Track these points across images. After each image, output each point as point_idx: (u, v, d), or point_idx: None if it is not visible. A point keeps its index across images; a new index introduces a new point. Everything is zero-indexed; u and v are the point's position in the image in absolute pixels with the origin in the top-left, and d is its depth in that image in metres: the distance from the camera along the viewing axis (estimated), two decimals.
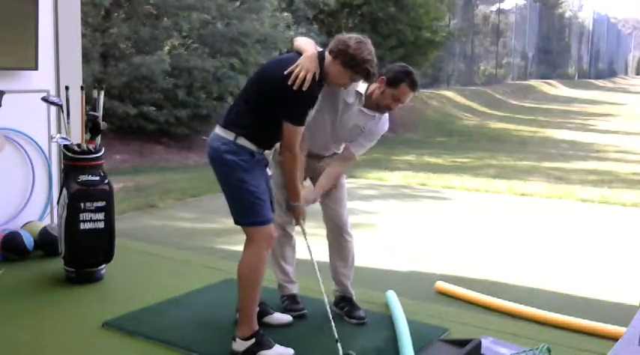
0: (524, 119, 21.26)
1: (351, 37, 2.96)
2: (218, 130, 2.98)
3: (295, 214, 3.24)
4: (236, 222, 2.98)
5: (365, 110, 3.31)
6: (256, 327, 3.01)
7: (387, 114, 3.40)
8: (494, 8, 35.06)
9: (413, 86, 3.23)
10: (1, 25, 4.29)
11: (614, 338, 2.81)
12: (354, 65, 2.92)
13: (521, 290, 4.47)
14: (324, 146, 3.41)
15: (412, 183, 9.18)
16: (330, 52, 2.96)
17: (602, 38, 53.98)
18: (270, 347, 2.97)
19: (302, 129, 2.94)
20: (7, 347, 3.07)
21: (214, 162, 2.97)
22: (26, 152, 4.64)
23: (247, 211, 2.93)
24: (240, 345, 2.97)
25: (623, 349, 1.79)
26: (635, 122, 20.86)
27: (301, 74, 2.84)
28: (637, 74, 65.53)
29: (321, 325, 3.35)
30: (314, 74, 2.87)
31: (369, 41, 2.97)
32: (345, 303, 3.46)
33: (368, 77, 3.04)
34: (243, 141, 2.91)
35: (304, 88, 2.84)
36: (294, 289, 3.57)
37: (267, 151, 3.11)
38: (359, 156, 3.43)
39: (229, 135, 2.93)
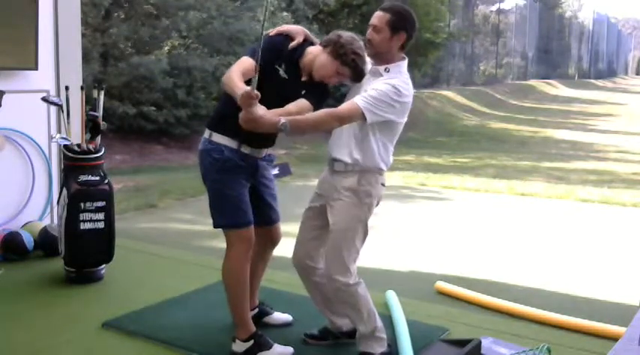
0: (524, 119, 21.25)
1: (345, 32, 2.95)
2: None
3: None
4: (213, 225, 2.96)
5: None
6: (253, 328, 3.01)
7: (392, 77, 2.81)
8: (494, 8, 35.06)
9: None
10: (1, 25, 4.29)
11: (614, 338, 2.80)
12: (343, 54, 2.84)
13: (521, 290, 4.46)
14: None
15: (412, 183, 9.17)
16: (321, 43, 2.94)
17: (602, 38, 53.99)
18: (269, 347, 2.97)
19: (245, 59, 2.80)
20: (7, 347, 3.08)
21: (199, 163, 2.99)
22: (26, 152, 4.64)
23: (222, 213, 2.92)
24: (239, 347, 2.97)
25: (623, 349, 1.79)
26: (635, 122, 20.85)
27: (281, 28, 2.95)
28: (637, 74, 65.59)
29: (321, 325, 3.34)
30: (289, 34, 2.93)
31: (361, 42, 2.91)
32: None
33: (356, 71, 2.89)
34: (217, 138, 2.91)
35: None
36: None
37: (268, 151, 3.07)
38: (363, 107, 2.70)
39: (207, 134, 2.95)
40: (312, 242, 3.03)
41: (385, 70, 2.83)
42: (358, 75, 2.90)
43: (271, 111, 2.71)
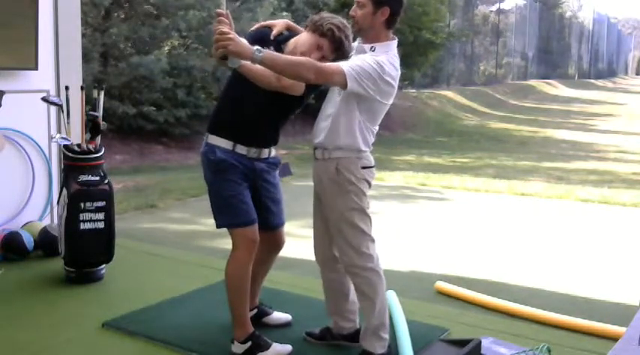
0: (524, 119, 21.26)
1: (328, 13, 2.95)
2: None
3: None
4: (216, 225, 2.97)
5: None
6: (251, 329, 3.00)
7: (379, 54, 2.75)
8: (494, 8, 35.06)
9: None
10: (1, 25, 4.29)
11: (614, 338, 2.81)
12: (320, 26, 2.81)
13: (521, 290, 4.46)
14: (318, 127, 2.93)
15: (412, 183, 9.17)
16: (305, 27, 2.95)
17: (602, 38, 54.02)
18: (267, 347, 2.97)
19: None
20: (7, 347, 3.08)
21: (201, 166, 3.01)
22: (26, 152, 4.64)
23: (221, 213, 2.94)
24: (238, 348, 2.98)
25: (623, 349, 1.79)
26: (635, 122, 20.86)
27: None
28: (637, 74, 65.62)
29: (320, 325, 3.34)
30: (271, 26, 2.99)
31: (346, 23, 2.84)
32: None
33: (334, 41, 2.80)
34: (212, 139, 2.93)
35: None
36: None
37: (271, 152, 3.06)
38: (347, 72, 2.61)
39: (205, 137, 2.98)
40: (325, 236, 3.01)
41: (371, 48, 2.75)
42: (338, 46, 2.82)
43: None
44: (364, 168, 2.85)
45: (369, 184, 2.91)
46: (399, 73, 2.78)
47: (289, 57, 2.66)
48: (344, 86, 2.63)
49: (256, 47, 2.52)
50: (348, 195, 2.82)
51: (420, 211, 7.39)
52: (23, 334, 3.23)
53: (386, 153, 11.98)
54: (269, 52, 2.55)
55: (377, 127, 2.89)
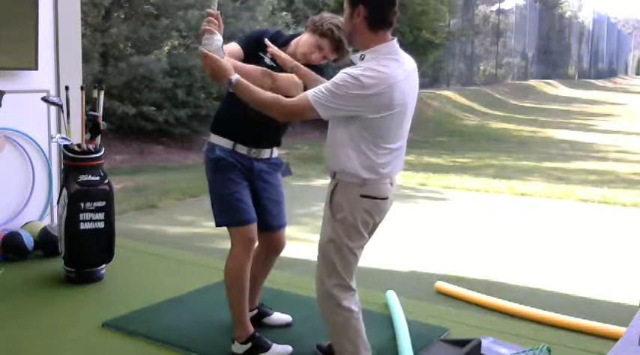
0: (524, 119, 21.24)
1: (328, 13, 2.97)
2: None
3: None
4: (215, 223, 2.99)
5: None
6: (251, 330, 3.00)
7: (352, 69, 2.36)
8: (494, 8, 35.02)
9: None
10: (1, 25, 4.29)
11: (614, 338, 2.81)
12: (320, 26, 2.84)
13: (521, 290, 4.47)
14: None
15: (412, 183, 9.17)
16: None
17: (602, 38, 54.04)
18: (267, 348, 2.97)
19: (232, 43, 2.84)
20: (7, 347, 3.08)
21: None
22: (26, 152, 4.64)
23: (219, 211, 2.96)
24: (238, 348, 2.98)
25: (623, 349, 1.79)
26: (635, 122, 20.85)
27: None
28: (637, 74, 65.60)
29: (321, 326, 3.34)
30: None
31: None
32: None
33: (334, 40, 2.82)
34: (213, 138, 2.96)
35: None
36: None
37: (273, 153, 3.06)
38: (313, 101, 2.32)
39: (208, 136, 3.00)
40: None
41: (360, 57, 2.39)
42: (338, 46, 2.83)
43: (258, 69, 2.74)
44: (365, 197, 2.40)
45: (373, 219, 2.45)
46: (397, 80, 2.34)
47: (258, 94, 2.43)
48: (318, 116, 2.35)
49: (234, 77, 2.43)
50: (333, 224, 2.44)
51: (420, 211, 7.39)
52: (23, 334, 3.23)
53: None
54: (243, 84, 2.42)
55: (390, 146, 2.42)
